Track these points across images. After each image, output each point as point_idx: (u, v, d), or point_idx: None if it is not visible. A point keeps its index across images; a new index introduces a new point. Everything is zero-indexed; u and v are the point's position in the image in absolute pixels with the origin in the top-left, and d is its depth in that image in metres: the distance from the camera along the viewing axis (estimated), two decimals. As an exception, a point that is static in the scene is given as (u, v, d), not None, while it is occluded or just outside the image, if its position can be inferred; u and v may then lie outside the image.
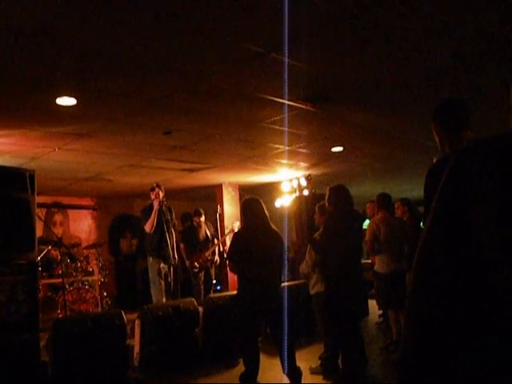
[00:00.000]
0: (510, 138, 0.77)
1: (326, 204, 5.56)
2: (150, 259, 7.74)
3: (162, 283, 7.65)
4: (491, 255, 0.72)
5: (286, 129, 6.58)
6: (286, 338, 5.06)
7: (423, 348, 0.82)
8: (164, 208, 7.82)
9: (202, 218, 9.74)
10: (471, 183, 0.76)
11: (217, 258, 9.66)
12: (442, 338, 0.79)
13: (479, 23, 3.86)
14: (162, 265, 7.67)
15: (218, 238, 10.04)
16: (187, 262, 9.47)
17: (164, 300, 7.48)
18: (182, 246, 9.61)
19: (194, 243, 9.56)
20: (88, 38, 3.74)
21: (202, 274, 9.40)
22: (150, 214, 7.63)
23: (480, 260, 0.74)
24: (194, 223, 9.78)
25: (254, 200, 5.44)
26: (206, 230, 9.77)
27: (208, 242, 9.68)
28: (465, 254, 0.77)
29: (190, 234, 9.78)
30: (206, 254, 9.42)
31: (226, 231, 10.23)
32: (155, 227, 7.64)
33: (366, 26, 3.83)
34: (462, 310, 0.77)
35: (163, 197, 7.74)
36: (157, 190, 7.68)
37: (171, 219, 7.99)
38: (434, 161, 0.80)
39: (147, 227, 7.63)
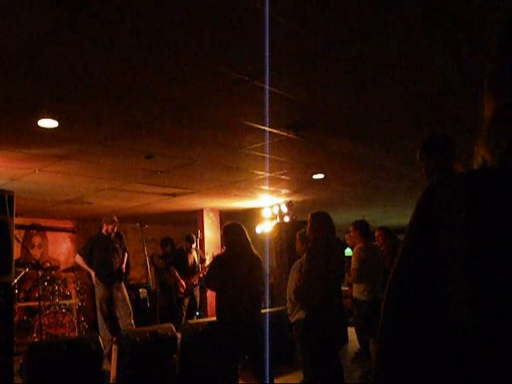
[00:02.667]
0: (478, 175, 0.79)
1: (308, 231, 5.53)
2: (95, 288, 7.85)
3: (104, 310, 7.73)
4: (458, 295, 0.73)
5: (268, 155, 6.62)
6: (265, 365, 5.02)
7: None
8: (113, 236, 8.01)
9: (194, 245, 9.78)
10: (439, 220, 0.77)
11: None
12: (406, 376, 0.80)
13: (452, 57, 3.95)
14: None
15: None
16: (179, 285, 9.47)
17: (106, 328, 7.59)
18: (172, 269, 9.61)
19: (181, 268, 9.53)
20: (70, 62, 3.75)
21: (186, 299, 9.35)
22: (94, 246, 7.89)
23: (447, 300, 0.75)
24: (185, 248, 9.76)
25: (235, 225, 5.44)
26: (194, 257, 9.77)
27: (195, 267, 9.66)
28: (432, 290, 0.78)
29: (179, 259, 9.77)
30: (192, 279, 9.39)
31: (207, 256, 10.21)
32: (98, 256, 7.83)
33: (346, 58, 3.89)
34: (425, 349, 0.78)
35: (114, 230, 7.97)
36: (115, 224, 8.05)
37: (120, 246, 8.15)
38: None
39: (76, 260, 8.07)
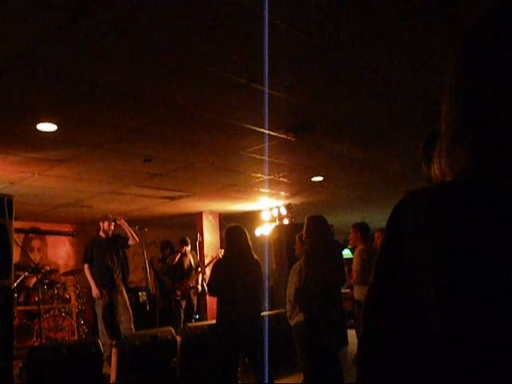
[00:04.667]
0: (438, 191, 0.81)
1: (304, 235, 5.51)
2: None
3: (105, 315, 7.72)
4: (428, 308, 0.75)
5: (267, 158, 6.63)
6: (265, 368, 5.02)
7: None
8: (111, 239, 7.99)
9: (188, 248, 9.78)
10: (405, 235, 0.79)
11: (199, 286, 9.63)
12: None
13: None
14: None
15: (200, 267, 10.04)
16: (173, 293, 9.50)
17: (106, 334, 7.58)
18: (165, 279, 9.65)
19: (178, 272, 9.54)
20: (69, 67, 3.77)
21: (183, 303, 9.35)
22: (98, 245, 7.84)
23: (418, 312, 0.77)
24: (180, 252, 9.77)
25: (237, 228, 5.42)
26: (190, 259, 9.76)
27: (191, 270, 9.67)
28: (403, 303, 0.80)
29: (175, 263, 9.78)
30: (189, 282, 9.39)
31: (206, 259, 10.22)
32: (97, 261, 7.82)
33: (345, 61, 3.90)
34: (402, 359, 0.80)
35: (112, 229, 7.90)
36: (107, 223, 7.97)
37: (120, 248, 8.09)
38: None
39: (85, 272, 7.92)
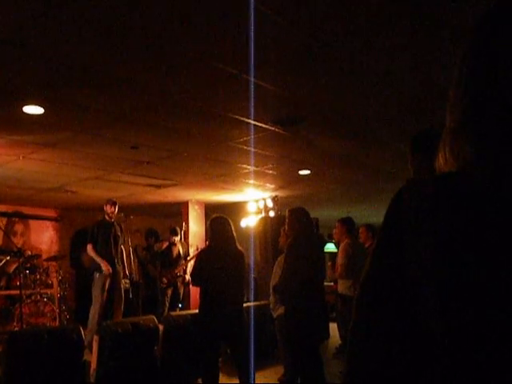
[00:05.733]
0: (443, 180, 0.80)
1: (286, 227, 5.49)
2: (97, 275, 7.69)
3: (102, 299, 7.64)
4: (425, 297, 0.74)
5: (254, 150, 6.62)
6: (247, 359, 5.03)
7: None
8: (115, 224, 7.91)
9: (178, 238, 9.81)
10: (406, 224, 0.78)
11: (187, 276, 9.63)
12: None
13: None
14: (123, 280, 7.61)
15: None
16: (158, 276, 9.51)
17: (97, 318, 7.51)
18: (149, 267, 9.66)
19: (166, 260, 9.56)
20: (56, 49, 3.71)
21: (169, 291, 9.36)
22: (105, 228, 7.70)
23: (415, 302, 0.76)
24: (170, 241, 9.77)
25: (222, 218, 5.41)
26: (179, 249, 9.77)
27: (180, 259, 9.70)
28: (400, 293, 0.78)
29: (163, 251, 9.79)
30: (176, 270, 9.41)
31: (191, 249, 10.23)
32: (101, 243, 7.69)
33: (335, 54, 3.89)
34: (396, 351, 0.79)
35: (115, 213, 7.83)
36: (111, 204, 7.84)
37: (121, 235, 8.05)
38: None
39: (90, 251, 7.75)
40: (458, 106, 0.81)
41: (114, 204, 7.94)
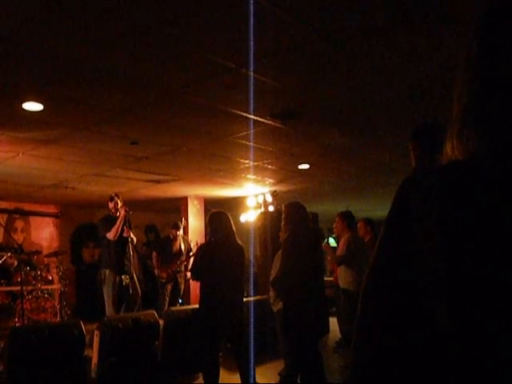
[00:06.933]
0: (451, 169, 0.80)
1: (283, 222, 5.48)
2: (107, 271, 7.62)
3: (114, 296, 7.59)
4: (433, 286, 0.74)
5: (253, 144, 6.62)
6: (247, 353, 5.05)
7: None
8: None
9: (179, 232, 9.77)
10: (414, 213, 0.78)
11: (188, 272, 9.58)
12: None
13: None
14: (122, 276, 7.58)
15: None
16: (156, 271, 9.48)
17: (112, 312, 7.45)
18: (154, 255, 9.59)
19: (166, 255, 9.54)
20: (57, 47, 3.72)
21: (169, 286, 9.36)
22: (112, 221, 7.57)
23: (423, 290, 0.76)
24: (171, 235, 9.76)
25: (221, 213, 5.43)
26: (180, 243, 9.74)
27: (180, 254, 9.66)
28: (408, 282, 0.78)
29: (164, 245, 9.79)
30: (175, 266, 9.39)
31: (192, 243, 10.21)
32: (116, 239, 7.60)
33: (334, 47, 3.89)
34: (401, 338, 0.79)
35: (118, 207, 7.72)
36: (116, 199, 7.71)
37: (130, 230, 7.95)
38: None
39: (111, 234, 7.52)
40: (466, 93, 0.81)
41: (112, 199, 7.83)
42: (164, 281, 9.33)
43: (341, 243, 7.06)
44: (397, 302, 0.77)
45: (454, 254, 0.71)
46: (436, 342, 0.73)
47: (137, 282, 7.86)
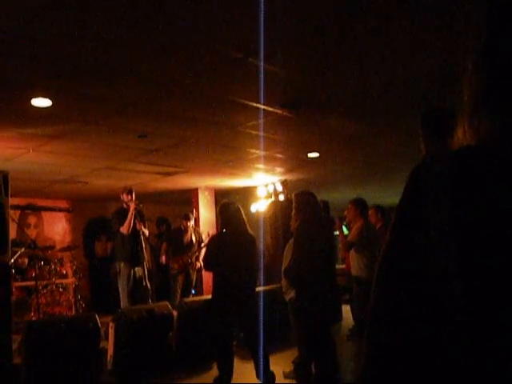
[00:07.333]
0: (462, 154, 0.79)
1: (294, 211, 5.46)
2: (122, 264, 7.65)
3: (129, 289, 7.62)
4: (447, 270, 0.74)
5: (263, 134, 6.61)
6: (260, 342, 5.08)
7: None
8: (136, 212, 7.79)
9: (190, 223, 9.78)
10: (426, 199, 0.78)
11: (198, 263, 9.58)
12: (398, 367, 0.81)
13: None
14: (136, 268, 7.62)
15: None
16: (163, 261, 9.52)
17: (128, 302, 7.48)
18: (164, 246, 9.61)
19: (177, 246, 9.56)
20: (65, 41, 3.73)
21: (181, 277, 9.39)
22: (125, 215, 7.60)
23: (437, 275, 0.76)
24: (182, 226, 9.78)
25: (231, 204, 5.45)
26: (191, 235, 9.75)
27: (192, 246, 9.67)
28: (422, 269, 0.78)
29: (175, 237, 9.81)
30: (187, 257, 9.39)
31: (203, 235, 10.22)
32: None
33: (342, 36, 3.88)
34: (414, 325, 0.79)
35: (132, 200, 7.72)
36: (132, 192, 7.72)
37: (144, 222, 7.95)
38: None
39: (124, 229, 7.56)
40: (477, 78, 0.80)
41: (130, 192, 7.82)
42: (175, 272, 9.35)
43: (353, 229, 7.04)
44: (410, 289, 0.77)
45: (468, 240, 0.71)
46: (450, 328, 0.73)
47: (149, 274, 7.88)
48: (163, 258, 9.62)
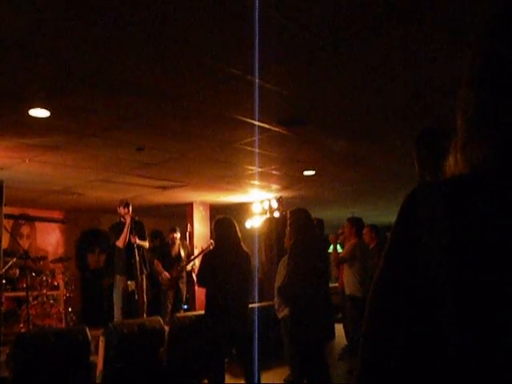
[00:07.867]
0: (457, 183, 0.79)
1: (288, 228, 5.46)
2: (117, 277, 7.63)
3: (122, 302, 7.56)
4: (441, 300, 0.74)
5: (259, 151, 6.63)
6: (253, 359, 5.04)
7: None
8: (133, 225, 7.74)
9: (177, 235, 9.69)
10: (421, 226, 0.78)
11: (192, 276, 9.49)
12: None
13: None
14: (128, 282, 7.57)
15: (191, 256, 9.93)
16: (160, 277, 9.40)
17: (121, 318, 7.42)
18: (155, 262, 9.54)
19: (165, 260, 9.47)
20: (63, 53, 3.74)
21: (171, 292, 9.30)
22: (121, 229, 7.58)
23: (430, 308, 0.76)
24: (169, 240, 9.71)
25: (226, 219, 5.43)
26: (179, 248, 9.67)
27: (180, 259, 9.58)
28: (415, 297, 0.78)
29: (162, 250, 9.72)
30: (175, 273, 9.31)
31: (196, 250, 10.17)
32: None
33: (339, 55, 3.90)
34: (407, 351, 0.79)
35: (132, 213, 7.70)
36: (130, 205, 7.70)
37: (143, 235, 7.89)
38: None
39: (120, 242, 7.53)
40: (470, 107, 0.80)
41: (127, 205, 7.79)
42: (165, 287, 9.26)
43: (347, 246, 7.05)
44: (404, 313, 0.77)
45: (461, 266, 0.71)
46: (443, 351, 0.73)
47: (143, 288, 7.82)
48: (166, 274, 9.39)
